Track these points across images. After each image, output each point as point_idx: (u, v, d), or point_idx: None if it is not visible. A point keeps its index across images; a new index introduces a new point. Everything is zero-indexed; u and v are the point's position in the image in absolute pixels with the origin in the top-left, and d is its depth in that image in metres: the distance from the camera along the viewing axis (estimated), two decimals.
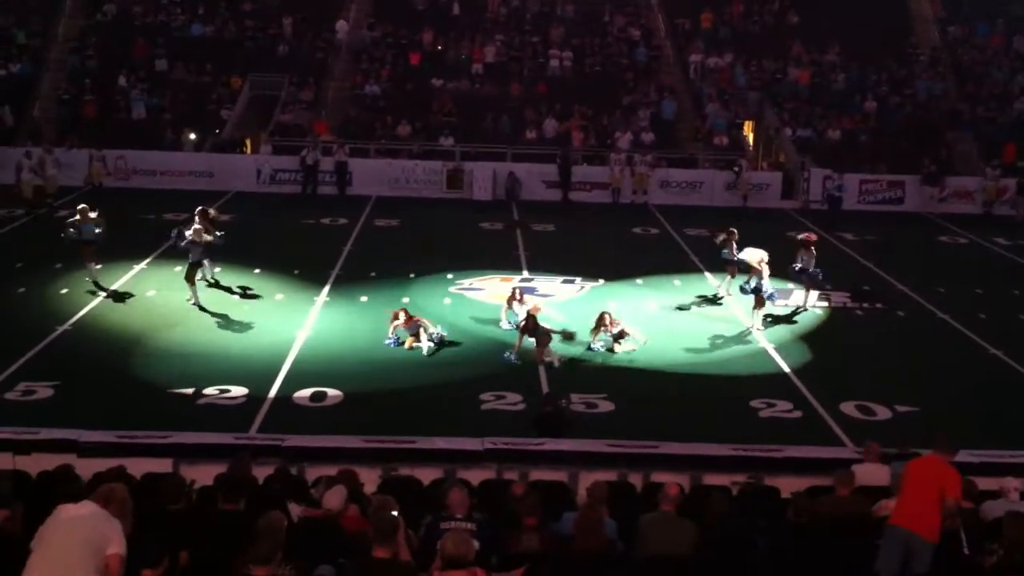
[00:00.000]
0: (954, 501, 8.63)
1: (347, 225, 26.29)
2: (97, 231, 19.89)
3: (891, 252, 25.42)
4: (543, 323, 16.84)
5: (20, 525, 8.01)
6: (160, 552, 7.55)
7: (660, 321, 19.02)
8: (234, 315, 18.61)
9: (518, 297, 18.12)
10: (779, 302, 19.41)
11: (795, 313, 19.62)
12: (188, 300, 18.88)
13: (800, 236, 20.18)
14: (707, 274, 22.02)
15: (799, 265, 19.62)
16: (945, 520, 8.59)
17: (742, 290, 18.70)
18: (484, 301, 20.04)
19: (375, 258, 22.87)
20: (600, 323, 17.13)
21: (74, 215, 20.20)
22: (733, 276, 20.31)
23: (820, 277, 19.75)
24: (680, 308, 19.94)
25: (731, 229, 20.61)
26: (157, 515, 8.31)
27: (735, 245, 20.08)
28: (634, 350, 17.00)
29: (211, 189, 29.73)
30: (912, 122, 34.11)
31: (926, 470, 8.80)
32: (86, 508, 6.85)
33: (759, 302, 18.34)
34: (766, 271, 18.26)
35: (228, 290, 19.93)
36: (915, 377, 16.72)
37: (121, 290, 19.91)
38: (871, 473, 10.77)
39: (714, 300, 20.30)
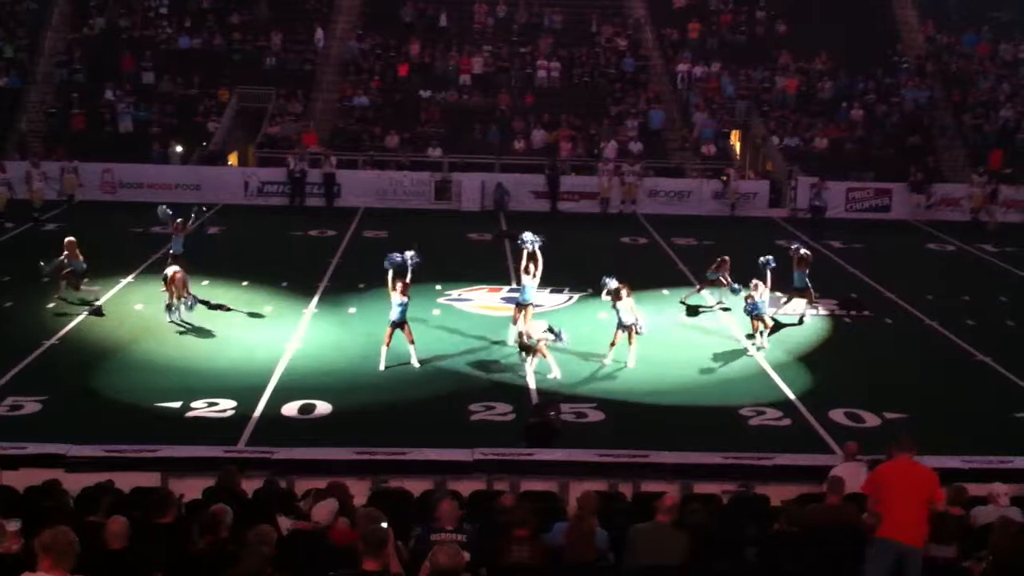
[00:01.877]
0: (944, 505, 8.77)
1: (335, 237, 26.26)
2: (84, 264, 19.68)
3: (878, 260, 25.50)
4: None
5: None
6: (149, 566, 7.53)
7: (649, 330, 19.00)
8: (222, 328, 18.55)
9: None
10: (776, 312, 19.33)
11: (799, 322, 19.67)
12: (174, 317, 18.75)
13: (802, 252, 20.18)
14: (702, 292, 21.98)
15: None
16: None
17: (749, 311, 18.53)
18: (472, 312, 20.03)
19: (363, 270, 22.81)
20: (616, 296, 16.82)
21: (61, 253, 19.66)
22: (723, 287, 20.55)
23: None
24: (671, 317, 19.97)
25: (724, 258, 20.72)
26: (145, 529, 8.28)
27: (727, 273, 20.40)
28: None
29: (198, 201, 29.59)
30: (899, 129, 34.28)
31: (906, 476, 8.76)
32: None
33: (760, 320, 18.20)
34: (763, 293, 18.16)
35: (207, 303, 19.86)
36: (903, 384, 16.75)
37: (108, 304, 19.81)
38: (847, 473, 10.84)
39: (723, 309, 20.32)
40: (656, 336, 18.65)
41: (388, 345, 16.45)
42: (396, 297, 16.18)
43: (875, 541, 8.62)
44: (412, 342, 16.54)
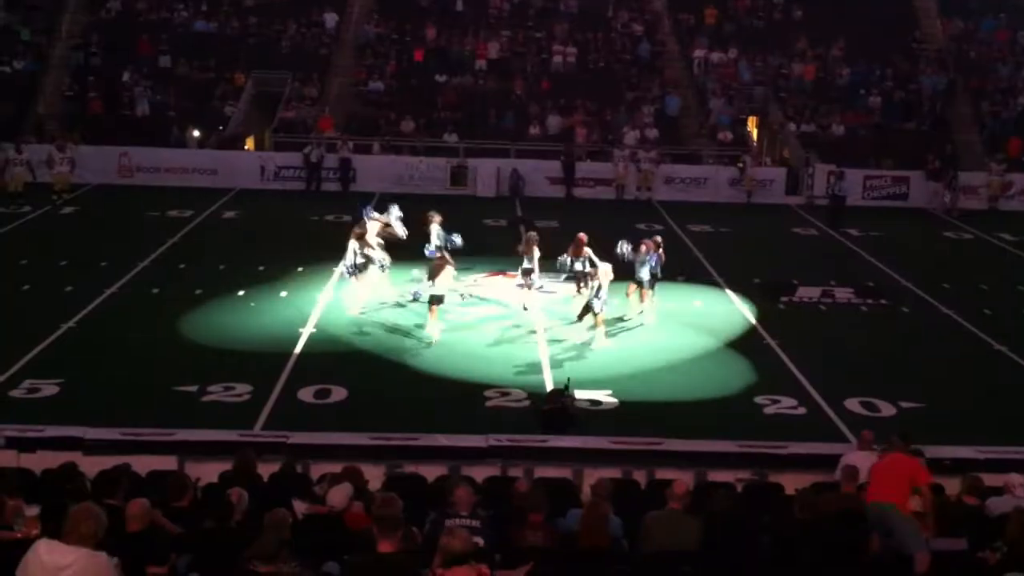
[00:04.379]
0: (927, 486, 9.20)
1: (351, 222, 26.20)
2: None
3: (896, 248, 25.38)
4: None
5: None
6: (166, 549, 7.58)
7: (665, 317, 18.99)
8: (238, 313, 18.63)
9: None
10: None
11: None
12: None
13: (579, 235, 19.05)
14: (711, 269, 21.95)
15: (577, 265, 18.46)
16: (925, 506, 9.12)
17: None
18: (488, 297, 20.00)
19: None
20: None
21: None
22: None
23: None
24: (686, 304, 19.93)
25: (579, 235, 19.03)
26: (162, 512, 8.34)
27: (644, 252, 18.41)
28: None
29: (215, 186, 29.82)
30: (917, 115, 34.13)
31: (891, 462, 9.51)
32: (71, 555, 6.27)
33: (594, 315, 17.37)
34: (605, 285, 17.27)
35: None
36: (919, 373, 16.69)
37: (125, 289, 19.90)
38: (862, 461, 10.85)
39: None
40: (671, 323, 18.66)
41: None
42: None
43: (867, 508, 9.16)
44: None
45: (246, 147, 33.06)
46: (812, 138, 33.08)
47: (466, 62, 35.35)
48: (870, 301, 20.64)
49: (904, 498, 8.97)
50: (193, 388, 14.88)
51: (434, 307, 17.10)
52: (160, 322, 17.98)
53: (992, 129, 33.93)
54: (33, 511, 8.03)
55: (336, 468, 10.02)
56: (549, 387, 15.19)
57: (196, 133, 31.58)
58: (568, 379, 14.91)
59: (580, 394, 14.80)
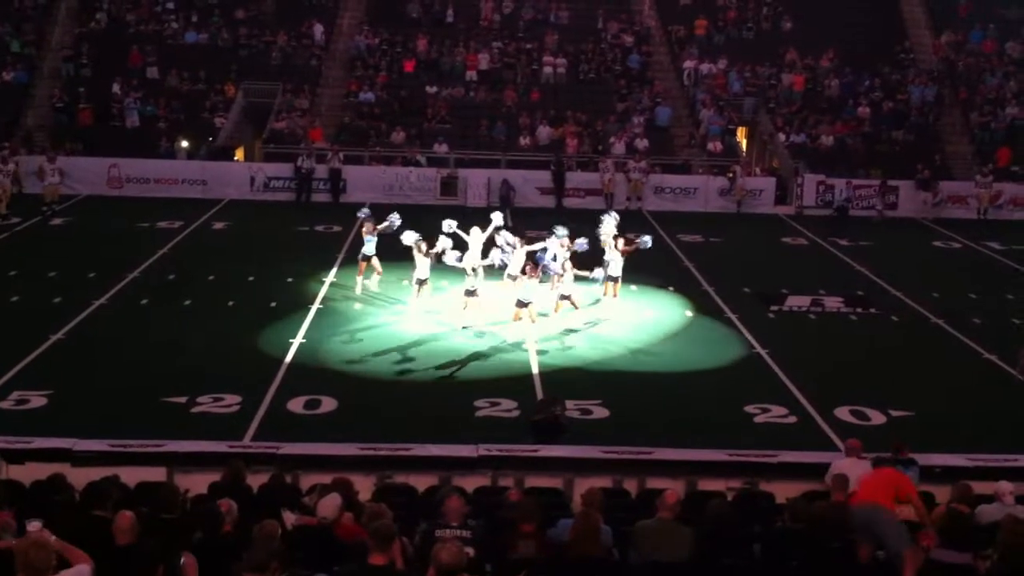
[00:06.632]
0: (916, 497, 9.39)
1: (341, 232, 26.23)
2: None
3: (885, 257, 25.45)
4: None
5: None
6: (155, 561, 7.53)
7: (655, 327, 19.03)
8: (228, 323, 18.59)
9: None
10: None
11: None
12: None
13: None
14: (701, 279, 21.98)
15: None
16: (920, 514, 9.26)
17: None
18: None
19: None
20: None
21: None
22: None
23: None
24: (678, 313, 19.95)
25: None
26: (151, 524, 8.29)
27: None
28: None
29: (205, 197, 29.79)
30: (906, 125, 34.22)
31: (880, 473, 9.73)
32: None
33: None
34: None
35: None
36: (909, 382, 16.73)
37: (113, 300, 19.85)
38: (849, 469, 10.87)
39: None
40: (660, 332, 18.68)
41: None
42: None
43: (852, 510, 9.16)
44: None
45: (236, 158, 33.00)
46: (801, 148, 33.20)
47: (457, 73, 35.40)
48: (860, 310, 20.69)
49: (888, 502, 9.04)
50: (182, 399, 14.84)
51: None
52: (149, 333, 17.94)
53: (981, 139, 34.07)
54: (34, 525, 7.93)
55: (326, 479, 9.98)
56: (540, 397, 15.18)
57: (185, 144, 31.52)
58: (558, 390, 14.91)
59: (569, 403, 14.81)
